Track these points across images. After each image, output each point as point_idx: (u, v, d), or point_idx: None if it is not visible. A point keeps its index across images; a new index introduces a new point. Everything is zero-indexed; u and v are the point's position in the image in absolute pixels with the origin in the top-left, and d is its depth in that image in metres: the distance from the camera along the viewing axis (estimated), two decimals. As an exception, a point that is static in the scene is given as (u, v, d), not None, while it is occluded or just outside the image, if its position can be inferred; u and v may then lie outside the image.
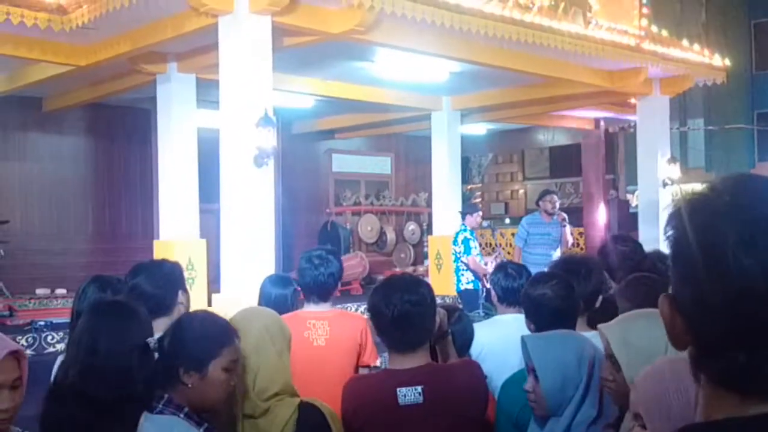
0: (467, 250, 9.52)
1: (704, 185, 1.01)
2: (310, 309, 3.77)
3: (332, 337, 3.65)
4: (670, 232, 1.01)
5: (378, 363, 3.84)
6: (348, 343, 3.66)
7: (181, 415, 2.24)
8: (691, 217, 0.96)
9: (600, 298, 3.47)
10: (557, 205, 9.71)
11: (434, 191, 12.71)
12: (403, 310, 2.73)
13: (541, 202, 9.79)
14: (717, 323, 0.93)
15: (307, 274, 3.74)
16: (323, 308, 3.77)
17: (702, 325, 0.95)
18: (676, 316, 0.99)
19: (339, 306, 9.34)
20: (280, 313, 3.56)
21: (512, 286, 3.80)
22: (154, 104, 9.48)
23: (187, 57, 8.74)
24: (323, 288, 3.75)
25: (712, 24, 24.65)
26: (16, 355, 2.05)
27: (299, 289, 3.97)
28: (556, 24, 8.71)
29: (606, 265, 4.12)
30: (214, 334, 2.29)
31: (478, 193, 23.43)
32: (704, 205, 0.97)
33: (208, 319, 2.39)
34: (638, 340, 2.19)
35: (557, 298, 3.01)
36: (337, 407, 2.69)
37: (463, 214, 10.09)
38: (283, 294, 3.97)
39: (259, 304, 3.81)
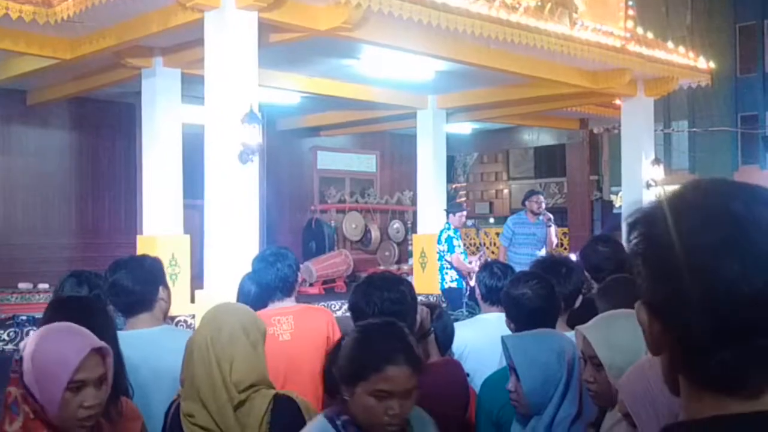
0: (450, 249, 9.55)
1: (680, 187, 1.02)
2: (275, 306, 3.75)
3: (297, 332, 3.64)
4: (641, 232, 1.01)
5: None
6: (314, 336, 3.64)
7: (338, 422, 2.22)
8: (673, 218, 0.96)
9: (580, 298, 3.49)
10: (543, 205, 9.74)
11: (419, 190, 12.73)
12: (384, 309, 2.74)
13: (527, 202, 9.82)
14: (700, 324, 0.93)
15: (265, 273, 3.71)
16: (287, 303, 3.75)
17: (684, 328, 0.95)
18: (654, 322, 0.99)
19: (323, 303, 9.37)
20: (261, 308, 3.56)
21: (497, 285, 3.81)
22: (139, 99, 9.44)
23: (173, 52, 8.71)
24: (284, 282, 3.70)
25: (697, 27, 24.82)
26: (100, 352, 2.01)
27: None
28: (542, 24, 8.74)
29: (588, 265, 4.14)
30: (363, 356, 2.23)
31: (463, 192, 23.47)
32: (686, 207, 0.97)
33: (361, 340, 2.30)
34: (621, 340, 2.20)
35: (537, 298, 3.02)
36: (308, 400, 2.69)
37: (448, 213, 10.13)
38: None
39: (238, 300, 3.79)
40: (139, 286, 3.08)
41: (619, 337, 2.21)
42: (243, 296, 3.86)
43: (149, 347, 2.98)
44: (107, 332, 2.31)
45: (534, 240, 9.56)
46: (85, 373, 1.96)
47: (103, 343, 2.04)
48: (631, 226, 1.03)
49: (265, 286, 3.75)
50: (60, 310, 2.44)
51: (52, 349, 1.97)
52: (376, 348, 2.20)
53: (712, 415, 0.95)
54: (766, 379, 0.94)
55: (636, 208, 1.04)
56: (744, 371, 0.93)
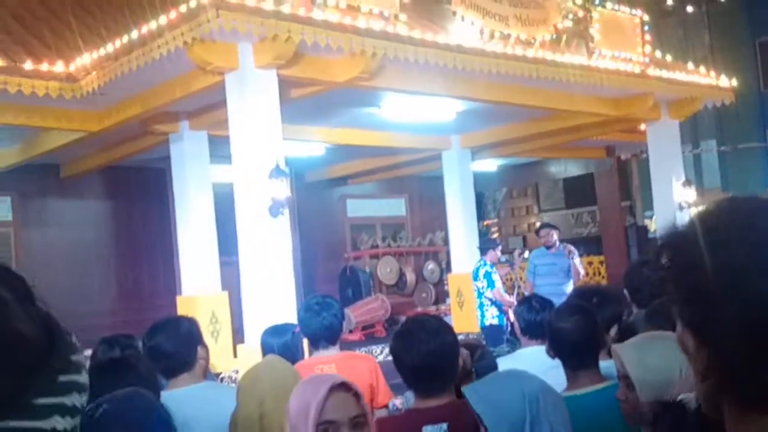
0: (491, 284, 9.54)
1: (708, 207, 1.01)
2: (319, 355, 3.78)
3: None
4: (671, 257, 1.00)
5: (397, 401, 3.83)
6: (357, 384, 3.66)
7: None
8: (702, 239, 0.95)
9: (616, 327, 3.48)
10: (554, 237, 9.87)
11: (450, 229, 12.74)
12: (425, 362, 2.75)
13: (537, 237, 9.98)
14: (743, 345, 0.91)
15: (310, 322, 3.76)
16: (331, 352, 3.78)
17: (730, 350, 0.92)
18: (702, 347, 0.96)
19: (363, 349, 9.35)
20: (289, 360, 3.60)
21: (535, 319, 3.81)
22: (169, 163, 9.62)
23: (198, 115, 8.89)
24: (329, 331, 3.76)
25: (717, 45, 24.72)
26: (349, 391, 1.97)
27: (297, 331, 3.98)
28: (559, 57, 8.81)
29: (630, 288, 4.14)
30: None
31: (495, 228, 23.39)
32: (714, 227, 0.96)
33: None
34: (654, 361, 2.20)
35: (577, 332, 3.02)
36: None
37: (482, 249, 10.13)
38: (284, 341, 4.00)
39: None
40: (177, 349, 3.13)
41: (652, 357, 2.21)
42: (266, 351, 3.90)
43: (191, 405, 3.00)
44: (148, 386, 2.35)
45: (555, 269, 9.62)
46: (333, 414, 1.91)
47: (344, 379, 2.00)
48: (660, 250, 1.03)
49: (310, 336, 3.79)
50: (98, 374, 2.49)
51: (300, 395, 1.95)
52: None
53: None
54: None
55: (665, 231, 1.03)
56: None
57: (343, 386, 1.97)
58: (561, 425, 2.56)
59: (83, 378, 0.96)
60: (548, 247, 9.89)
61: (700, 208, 1.04)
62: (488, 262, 9.76)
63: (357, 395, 1.99)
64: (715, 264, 0.92)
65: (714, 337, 0.93)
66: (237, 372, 7.63)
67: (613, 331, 3.52)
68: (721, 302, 0.91)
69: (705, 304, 0.93)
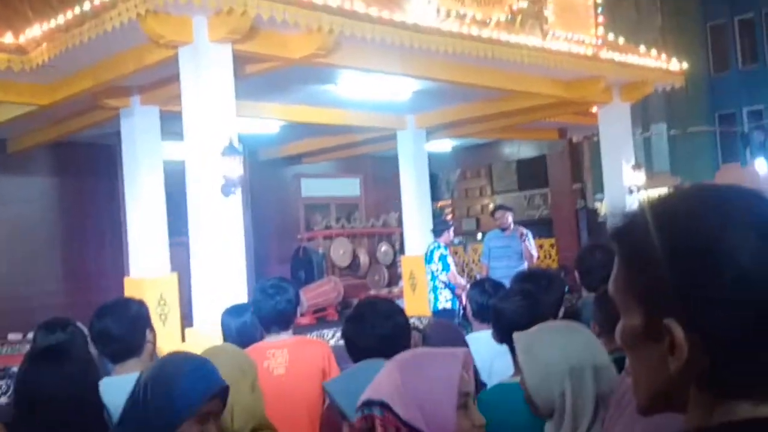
0: (446, 267, 9.55)
1: (659, 196, 1.00)
2: (271, 339, 3.73)
3: (292, 365, 3.61)
4: (638, 248, 0.98)
5: None
6: (309, 369, 3.62)
7: None
8: (661, 220, 0.95)
9: (562, 309, 3.50)
10: (509, 219, 9.93)
11: (404, 210, 12.73)
12: (377, 345, 2.72)
13: (493, 218, 10.04)
14: (734, 333, 0.90)
15: (263, 305, 3.71)
16: (284, 336, 3.74)
17: (718, 338, 0.91)
18: (692, 335, 0.93)
19: (315, 333, 9.30)
20: (247, 340, 3.54)
21: (487, 303, 3.80)
22: (119, 139, 9.41)
23: (150, 89, 8.71)
24: (282, 316, 3.71)
25: (669, 28, 25.07)
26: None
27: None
28: (513, 38, 8.81)
29: (580, 269, 4.16)
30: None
31: (449, 209, 23.49)
32: (670, 211, 0.96)
33: None
34: (542, 352, 2.22)
35: (517, 313, 3.02)
36: None
37: (436, 232, 10.14)
38: (242, 321, 3.95)
39: (223, 338, 3.77)
40: (125, 334, 3.04)
41: (541, 348, 2.23)
42: (226, 332, 3.84)
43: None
44: (85, 380, 2.28)
45: (510, 252, 9.69)
46: (467, 386, 1.77)
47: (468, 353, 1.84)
48: (614, 236, 1.01)
49: (262, 319, 3.74)
50: (36, 361, 2.42)
51: (434, 374, 1.77)
52: None
53: (721, 422, 0.93)
54: None
55: (617, 217, 1.02)
56: None
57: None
58: None
59: None
60: (503, 230, 9.95)
61: (656, 191, 1.03)
62: (442, 244, 9.77)
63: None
64: (701, 251, 0.92)
65: (704, 326, 0.92)
66: (186, 355, 7.52)
67: (560, 313, 3.54)
68: (709, 290, 0.91)
69: (691, 295, 0.92)
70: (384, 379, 1.79)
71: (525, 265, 9.51)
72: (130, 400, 2.04)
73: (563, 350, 2.18)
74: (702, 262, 0.92)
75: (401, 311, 2.94)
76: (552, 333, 2.31)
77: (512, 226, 10.01)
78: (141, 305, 3.22)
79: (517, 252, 9.76)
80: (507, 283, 4.13)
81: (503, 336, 3.04)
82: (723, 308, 0.90)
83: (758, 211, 0.94)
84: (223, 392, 2.05)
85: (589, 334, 2.34)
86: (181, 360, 2.09)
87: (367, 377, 2.46)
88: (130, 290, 8.47)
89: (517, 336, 2.33)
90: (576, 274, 4.26)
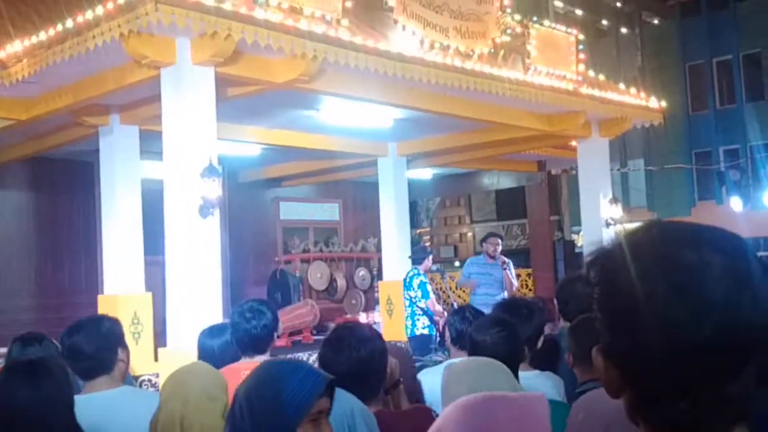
0: (425, 294, 9.56)
1: (633, 231, 1.01)
2: (246, 361, 3.71)
3: None
4: (596, 280, 1.01)
5: None
6: None
7: None
8: (625, 266, 0.96)
9: (542, 339, 3.51)
10: (499, 248, 9.93)
11: (383, 236, 12.74)
12: (354, 369, 2.72)
13: (484, 244, 10.03)
14: (654, 373, 0.92)
15: (239, 328, 3.69)
16: (258, 359, 3.73)
17: (639, 375, 0.94)
18: (610, 368, 0.98)
19: (290, 356, 9.23)
20: (228, 359, 3.52)
21: (467, 330, 3.82)
22: (97, 157, 9.36)
23: (130, 108, 8.69)
24: (257, 341, 3.69)
25: (648, 67, 25.44)
26: None
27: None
28: (496, 71, 8.90)
29: (560, 299, 4.19)
30: None
31: (427, 237, 23.55)
32: (638, 255, 0.96)
33: None
34: (456, 389, 2.24)
35: (497, 345, 3.03)
36: None
37: (414, 260, 10.16)
38: (224, 341, 3.92)
39: (200, 358, 3.74)
40: (97, 351, 3.02)
41: (456, 385, 2.25)
42: (204, 353, 3.81)
43: (108, 411, 2.91)
44: (60, 399, 2.26)
45: (491, 280, 9.72)
46: None
47: None
48: (588, 267, 1.04)
49: (238, 341, 3.72)
50: (11, 376, 2.40)
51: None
52: None
53: None
54: (723, 427, 0.93)
55: (592, 250, 1.05)
56: (704, 419, 0.92)
57: None
58: None
59: None
60: (490, 257, 9.96)
61: (629, 227, 1.05)
62: (422, 272, 9.79)
63: None
64: (635, 292, 0.93)
65: (628, 364, 0.95)
66: (157, 376, 7.45)
67: (539, 343, 3.56)
68: (639, 331, 0.92)
69: (622, 330, 0.95)
70: None
71: (504, 294, 9.54)
72: (231, 416, 1.96)
73: (471, 390, 2.20)
74: (624, 302, 0.95)
75: (379, 336, 2.95)
76: (464, 371, 2.31)
77: (498, 255, 10.07)
78: (114, 323, 3.20)
79: (498, 280, 9.79)
80: (486, 311, 4.15)
81: None
82: (632, 344, 0.94)
83: (685, 261, 0.94)
84: (331, 389, 2.01)
85: (506, 373, 2.32)
86: (279, 365, 2.03)
87: (338, 403, 2.47)
88: (103, 308, 8.40)
89: (444, 372, 2.34)
90: (555, 303, 4.29)
